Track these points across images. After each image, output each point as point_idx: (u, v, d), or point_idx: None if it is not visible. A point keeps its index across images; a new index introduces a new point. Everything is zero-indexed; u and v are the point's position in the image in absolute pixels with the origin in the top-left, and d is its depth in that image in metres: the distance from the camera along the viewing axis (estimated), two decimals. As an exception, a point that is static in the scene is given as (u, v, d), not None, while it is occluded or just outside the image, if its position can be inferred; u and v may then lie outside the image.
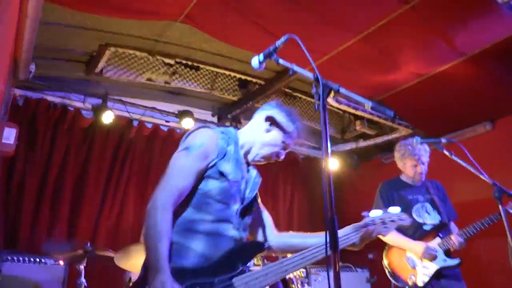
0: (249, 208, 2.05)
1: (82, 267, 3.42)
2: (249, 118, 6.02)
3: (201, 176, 1.90)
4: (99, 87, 4.85)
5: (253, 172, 2.18)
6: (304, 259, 1.93)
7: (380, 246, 3.46)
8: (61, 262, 3.64)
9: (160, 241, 1.68)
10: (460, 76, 4.37)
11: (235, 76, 5.11)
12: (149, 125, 5.33)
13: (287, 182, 6.33)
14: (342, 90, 1.76)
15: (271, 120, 2.14)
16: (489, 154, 5.04)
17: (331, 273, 1.56)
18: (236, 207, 1.96)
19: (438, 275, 3.16)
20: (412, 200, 3.44)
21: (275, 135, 2.12)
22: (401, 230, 3.34)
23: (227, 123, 5.83)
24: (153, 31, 4.06)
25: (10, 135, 3.93)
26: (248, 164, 2.15)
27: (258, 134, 2.12)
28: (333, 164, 6.35)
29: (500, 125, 5.20)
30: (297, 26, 3.69)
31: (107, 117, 4.71)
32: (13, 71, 3.93)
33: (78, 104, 4.84)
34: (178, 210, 1.85)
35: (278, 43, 2.05)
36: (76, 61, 4.49)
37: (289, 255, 2.00)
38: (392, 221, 2.15)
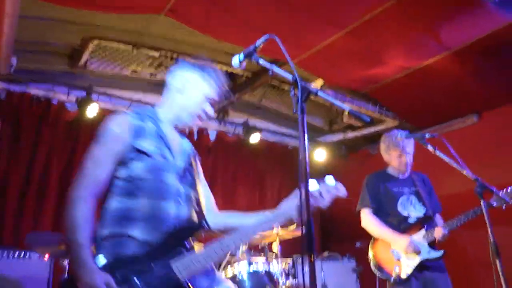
0: (185, 178, 1.98)
1: (66, 262, 3.41)
2: (237, 110, 6.00)
3: (122, 163, 1.84)
4: (84, 80, 4.79)
5: (186, 143, 2.11)
6: (244, 236, 1.89)
7: (368, 236, 3.49)
8: (46, 257, 3.62)
9: (76, 233, 1.67)
10: (446, 70, 4.39)
11: (221, 68, 5.06)
12: (136, 118, 5.28)
13: (275, 173, 6.34)
14: (321, 93, 1.74)
15: (182, 81, 2.04)
16: (475, 146, 5.09)
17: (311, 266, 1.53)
18: (170, 180, 1.90)
19: (422, 267, 3.20)
20: (397, 192, 3.47)
21: (193, 92, 2.03)
22: (386, 222, 3.40)
23: (215, 115, 5.82)
24: (137, 24, 4.00)
25: (-7, 129, 3.89)
26: (181, 134, 2.09)
27: (175, 100, 2.04)
28: (321, 155, 6.35)
29: (486, 117, 5.23)
30: (282, 20, 3.67)
31: (92, 110, 4.66)
32: (-6, 65, 3.87)
33: (62, 97, 4.77)
34: (108, 202, 1.83)
35: (258, 42, 2.02)
36: (59, 54, 4.42)
37: None
38: (329, 192, 2.05)
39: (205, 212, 2.10)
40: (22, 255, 3.59)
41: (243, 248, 3.64)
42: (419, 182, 3.52)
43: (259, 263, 3.42)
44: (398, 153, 3.50)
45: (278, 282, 3.41)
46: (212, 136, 5.91)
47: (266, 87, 5.56)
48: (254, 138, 5.80)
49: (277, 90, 5.62)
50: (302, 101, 1.74)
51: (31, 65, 4.44)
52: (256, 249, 4.65)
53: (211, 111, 2.08)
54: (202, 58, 2.14)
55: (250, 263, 3.36)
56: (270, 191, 6.21)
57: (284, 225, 1.97)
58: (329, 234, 6.68)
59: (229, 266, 3.46)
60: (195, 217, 2.00)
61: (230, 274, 3.33)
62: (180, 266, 1.74)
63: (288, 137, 6.49)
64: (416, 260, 3.20)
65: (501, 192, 2.97)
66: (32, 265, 3.55)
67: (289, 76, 1.86)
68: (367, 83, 4.85)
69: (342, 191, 2.10)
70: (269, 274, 3.39)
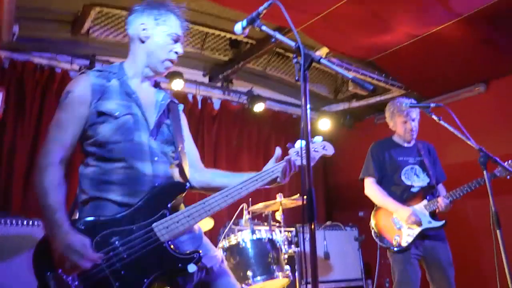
0: (160, 134, 1.88)
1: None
2: (241, 78, 5.96)
3: (89, 127, 1.78)
4: (87, 48, 4.74)
5: (160, 95, 1.97)
6: (228, 197, 1.80)
7: (371, 206, 3.52)
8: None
9: (47, 198, 1.64)
10: (454, 37, 4.29)
11: (225, 36, 5.01)
12: (139, 87, 5.25)
13: (279, 142, 6.33)
14: (323, 60, 1.71)
15: (140, 28, 1.91)
16: (482, 116, 5.06)
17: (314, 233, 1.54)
18: (143, 138, 1.81)
19: (423, 236, 3.23)
20: (402, 161, 3.46)
21: (156, 36, 1.90)
22: (389, 190, 3.41)
23: (219, 84, 5.78)
24: (139, -10, 3.92)
25: (-2, 98, 3.90)
26: (155, 87, 1.99)
27: (141, 51, 1.92)
28: (325, 124, 6.33)
29: (493, 86, 5.17)
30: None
31: (96, 79, 4.63)
32: (-4, 33, 3.83)
33: (66, 66, 4.74)
34: (83, 169, 1.81)
35: (261, 8, 1.98)
36: (61, 21, 4.37)
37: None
38: (316, 151, 2.06)
39: (188, 168, 1.95)
40: (30, 223, 3.66)
41: (246, 216, 3.68)
42: (424, 151, 3.51)
43: (262, 231, 3.47)
44: (402, 119, 3.48)
45: (281, 250, 3.46)
46: (217, 105, 5.89)
47: (271, 55, 5.49)
48: (259, 107, 5.78)
49: (281, 58, 5.55)
50: (305, 69, 1.72)
51: (33, 33, 4.40)
52: (259, 218, 4.72)
53: (179, 48, 1.95)
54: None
55: (253, 231, 3.41)
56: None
57: (268, 184, 1.90)
58: (333, 203, 6.74)
59: (232, 234, 3.51)
60: (176, 175, 1.89)
61: (233, 242, 3.38)
62: (162, 228, 1.69)
63: (293, 106, 6.46)
64: (416, 230, 3.23)
65: (506, 163, 2.95)
66: (41, 231, 3.63)
67: (292, 43, 1.83)
68: (373, 51, 4.76)
69: (330, 150, 2.12)
70: (272, 242, 3.44)
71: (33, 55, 4.59)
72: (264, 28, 1.98)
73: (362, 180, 3.56)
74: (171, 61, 1.94)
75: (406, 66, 5.04)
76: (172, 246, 1.71)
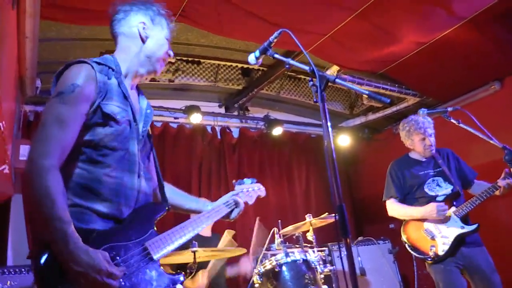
0: (144, 147, 1.82)
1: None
2: (256, 105, 6.04)
3: (85, 125, 1.61)
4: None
5: (144, 101, 1.89)
6: (199, 224, 1.92)
7: (401, 217, 3.49)
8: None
9: (56, 208, 1.42)
10: (462, 40, 4.33)
11: (236, 66, 5.14)
12: (159, 124, 5.40)
13: (301, 163, 6.38)
14: (338, 80, 1.78)
15: (140, 27, 1.84)
16: (500, 113, 5.02)
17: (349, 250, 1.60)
18: (134, 148, 1.73)
19: (458, 242, 3.17)
20: (423, 175, 3.45)
21: (156, 37, 1.87)
22: (413, 204, 3.39)
23: (235, 112, 5.89)
24: (151, 33, 4.09)
25: (26, 152, 4.04)
26: (138, 92, 1.91)
27: (139, 49, 1.83)
28: (344, 140, 6.36)
29: (508, 83, 5.14)
30: (291, 11, 3.69)
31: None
32: (20, 89, 4.03)
33: (87, 112, 4.90)
34: (68, 168, 1.57)
35: (272, 38, 2.07)
36: (80, 71, 4.56)
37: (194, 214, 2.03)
38: (253, 190, 2.28)
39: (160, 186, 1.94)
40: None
41: (278, 240, 3.70)
42: (441, 160, 3.49)
43: (296, 253, 3.47)
44: (421, 137, 3.47)
45: (317, 270, 3.45)
46: (235, 133, 5.99)
47: (283, 79, 5.60)
48: (277, 131, 5.85)
49: (294, 80, 5.65)
50: (322, 90, 1.79)
51: (54, 85, 4.60)
52: (291, 241, 4.72)
53: (171, 52, 1.95)
54: None
55: (287, 254, 3.41)
56: (298, 181, 6.25)
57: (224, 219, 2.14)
58: (362, 218, 6.68)
59: (265, 259, 3.52)
60: (157, 193, 1.90)
61: (268, 267, 3.39)
62: (154, 247, 1.67)
63: (310, 126, 6.51)
64: (451, 236, 3.18)
65: None
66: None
67: (306, 68, 1.91)
68: (383, 63, 4.82)
69: (262, 191, 2.36)
70: (307, 262, 3.43)
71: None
72: (276, 56, 2.06)
73: (385, 202, 3.56)
74: (164, 61, 1.92)
75: (417, 74, 5.07)
76: (161, 265, 1.71)
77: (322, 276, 3.54)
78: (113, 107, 1.67)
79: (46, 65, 4.19)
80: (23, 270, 3.47)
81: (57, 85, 1.65)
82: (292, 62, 2.02)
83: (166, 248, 1.71)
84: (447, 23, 4.13)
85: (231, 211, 2.15)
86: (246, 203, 2.23)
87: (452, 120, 3.20)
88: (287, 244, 4.32)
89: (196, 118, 5.21)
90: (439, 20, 4.07)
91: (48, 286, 1.42)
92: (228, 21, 3.73)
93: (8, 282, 3.35)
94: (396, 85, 5.36)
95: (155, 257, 1.65)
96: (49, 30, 3.66)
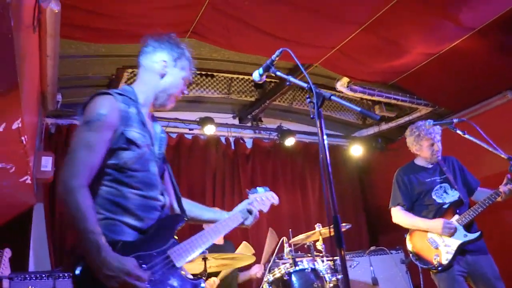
0: (161, 167, 2.01)
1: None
2: (269, 116, 6.12)
3: (110, 149, 1.79)
4: (123, 106, 5.11)
5: (158, 127, 2.10)
6: (217, 233, 2.09)
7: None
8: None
9: (87, 222, 1.61)
10: (472, 49, 4.37)
11: (249, 78, 5.27)
12: (174, 135, 5.56)
13: (314, 173, 6.44)
14: (334, 97, 1.88)
15: (163, 64, 2.03)
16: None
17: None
18: (154, 169, 1.93)
19: (462, 251, 3.20)
20: (430, 182, 3.49)
21: (173, 76, 2.05)
22: (421, 214, 3.43)
23: (249, 123, 6.01)
24: (165, 48, 4.27)
25: (48, 162, 4.26)
26: (153, 119, 2.09)
27: (156, 83, 2.02)
28: (357, 150, 6.41)
29: (522, 92, 5.12)
30: (299, 25, 3.81)
31: (134, 133, 4.95)
32: (42, 103, 4.24)
33: (105, 125, 5.10)
34: (96, 187, 1.78)
35: (274, 56, 2.20)
36: (98, 85, 4.77)
37: (207, 225, 2.18)
38: (267, 198, 2.39)
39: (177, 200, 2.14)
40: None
41: (288, 249, 3.77)
42: (446, 167, 3.53)
43: (304, 262, 3.55)
44: (430, 142, 3.50)
45: (325, 279, 3.51)
46: (249, 144, 6.10)
47: (295, 90, 5.70)
48: (289, 141, 5.95)
49: (306, 92, 5.71)
50: (319, 107, 1.89)
51: (75, 99, 4.81)
52: (302, 250, 4.78)
53: (186, 91, 2.13)
54: (170, 36, 2.12)
55: (295, 263, 3.49)
56: (312, 190, 6.31)
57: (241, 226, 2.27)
58: (377, 227, 6.68)
59: (275, 268, 3.61)
60: (175, 206, 2.10)
61: (277, 275, 3.47)
62: (176, 255, 1.83)
63: (323, 136, 6.55)
64: (454, 245, 3.22)
65: None
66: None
67: (304, 85, 2.02)
68: (394, 74, 4.88)
69: (275, 199, 2.47)
70: (315, 271, 3.50)
71: (76, 118, 4.98)
72: (278, 73, 2.18)
73: (391, 209, 3.61)
74: (177, 98, 2.09)
75: (428, 84, 5.11)
76: (183, 272, 1.86)
77: (331, 285, 3.59)
78: (134, 133, 1.86)
79: (66, 81, 4.40)
80: (43, 275, 3.64)
81: (84, 114, 1.83)
82: (292, 79, 2.14)
83: (187, 255, 1.89)
84: (455, 34, 4.18)
85: (246, 218, 2.27)
86: (260, 211, 2.34)
87: (458, 131, 3.24)
88: (299, 253, 4.40)
89: (210, 129, 5.35)
90: (447, 31, 4.12)
91: None
92: (238, 37, 3.87)
93: (30, 287, 3.52)
94: (408, 95, 5.40)
95: (177, 264, 1.83)
96: (69, 48, 3.86)
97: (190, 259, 1.89)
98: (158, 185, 1.93)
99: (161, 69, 2.02)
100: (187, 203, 2.19)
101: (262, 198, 2.40)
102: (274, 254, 3.89)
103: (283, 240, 3.82)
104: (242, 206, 2.31)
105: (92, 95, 1.87)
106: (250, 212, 2.28)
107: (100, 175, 1.79)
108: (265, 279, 3.54)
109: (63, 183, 1.66)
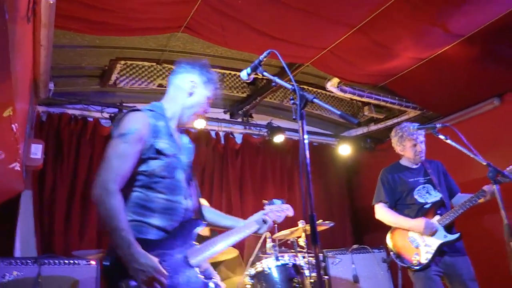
0: (188, 174, 2.23)
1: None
2: (260, 112, 6.16)
3: (141, 159, 2.03)
4: (115, 97, 5.16)
5: (185, 138, 2.35)
6: (241, 232, 2.31)
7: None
8: (93, 262, 3.97)
9: (119, 220, 1.85)
10: (461, 56, 4.44)
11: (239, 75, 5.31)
12: (165, 128, 5.58)
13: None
14: (316, 100, 1.95)
15: (191, 85, 2.27)
16: (499, 129, 5.10)
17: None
18: (181, 176, 2.15)
19: (441, 252, 3.30)
20: (413, 182, 3.58)
21: (199, 95, 2.29)
22: (404, 213, 3.53)
23: (239, 119, 6.07)
24: (158, 42, 4.32)
25: (38, 150, 4.29)
26: (180, 131, 2.32)
27: (183, 100, 2.27)
28: (345, 150, 6.50)
29: (508, 99, 5.18)
30: (292, 25, 3.86)
31: (125, 124, 5.00)
32: (34, 91, 4.26)
33: (97, 115, 5.15)
34: (127, 192, 2.01)
35: (261, 57, 2.28)
36: (91, 75, 4.80)
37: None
38: (282, 210, 2.51)
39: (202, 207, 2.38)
40: (72, 262, 3.94)
41: (270, 244, 3.86)
42: (431, 169, 3.63)
43: (286, 257, 3.63)
44: (412, 143, 3.61)
45: (305, 274, 3.60)
46: (239, 139, 6.17)
47: (287, 88, 5.74)
48: (279, 138, 6.02)
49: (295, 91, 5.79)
50: (301, 108, 1.96)
51: (67, 88, 4.85)
52: (286, 245, 4.87)
53: (208, 109, 2.37)
54: (202, 61, 2.37)
55: (277, 258, 3.57)
56: (298, 187, 6.38)
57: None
58: (362, 227, 6.78)
59: (258, 262, 3.69)
60: (197, 210, 2.31)
61: (259, 269, 3.55)
62: (192, 256, 2.05)
63: (312, 134, 6.65)
64: (434, 245, 3.31)
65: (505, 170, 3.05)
66: (82, 269, 3.92)
67: (289, 86, 2.09)
68: (384, 76, 4.95)
69: (290, 210, 2.58)
70: (296, 266, 3.59)
71: (67, 107, 5.03)
72: (265, 74, 2.27)
73: (374, 206, 3.70)
74: (199, 116, 2.36)
75: (417, 88, 5.19)
76: (197, 269, 2.06)
77: (312, 280, 3.68)
78: (162, 144, 2.09)
79: (59, 70, 4.43)
80: (29, 261, 3.69)
81: (119, 127, 2.07)
82: (278, 80, 2.22)
83: (201, 255, 2.11)
84: (444, 40, 4.26)
85: (260, 228, 2.41)
86: (274, 222, 2.48)
87: (440, 136, 3.31)
88: (282, 248, 4.49)
89: (200, 123, 5.40)
90: (436, 37, 4.20)
91: (112, 281, 1.88)
92: (232, 35, 3.92)
93: (15, 272, 3.58)
94: (397, 98, 5.49)
95: (193, 264, 2.04)
96: (63, 38, 3.89)
97: (203, 258, 2.10)
98: (182, 190, 2.14)
99: (189, 89, 2.27)
100: (208, 210, 2.45)
101: (278, 210, 2.52)
102: (257, 249, 3.97)
103: (265, 235, 3.90)
104: (258, 216, 2.44)
105: (126, 111, 2.13)
106: (265, 222, 2.42)
107: (131, 181, 2.03)
108: (246, 272, 3.62)
109: (100, 186, 1.90)
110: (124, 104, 5.10)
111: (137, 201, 2.03)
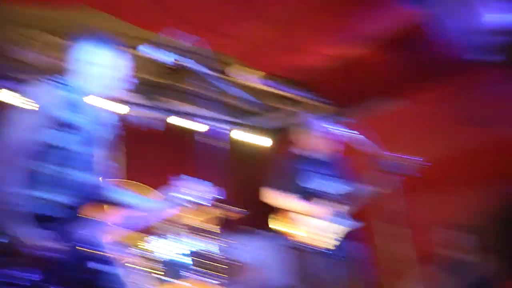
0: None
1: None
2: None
3: None
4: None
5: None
6: None
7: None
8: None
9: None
10: (367, 57, 4.68)
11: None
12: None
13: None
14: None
15: (93, 57, 2.18)
16: (401, 128, 5.25)
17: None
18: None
19: (341, 237, 3.55)
20: (315, 172, 3.71)
21: (107, 69, 2.20)
22: (307, 198, 3.64)
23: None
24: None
25: None
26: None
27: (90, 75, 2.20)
28: (255, 139, 6.66)
29: (411, 100, 5.29)
30: (202, 7, 3.86)
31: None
32: None
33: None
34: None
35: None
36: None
37: None
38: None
39: None
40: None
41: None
42: (335, 162, 3.83)
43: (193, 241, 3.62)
44: (317, 136, 3.76)
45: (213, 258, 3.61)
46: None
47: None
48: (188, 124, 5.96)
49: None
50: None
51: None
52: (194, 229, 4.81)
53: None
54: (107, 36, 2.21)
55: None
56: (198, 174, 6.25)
57: None
58: (267, 214, 6.86)
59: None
60: None
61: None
62: None
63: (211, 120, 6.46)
64: (334, 230, 3.53)
65: None
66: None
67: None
68: (296, 71, 5.10)
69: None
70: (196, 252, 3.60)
71: None
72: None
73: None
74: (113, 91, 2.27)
75: (329, 84, 5.36)
76: None
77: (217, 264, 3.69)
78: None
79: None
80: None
81: None
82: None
83: None
84: (355, 41, 4.48)
85: None
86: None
87: (344, 131, 3.43)
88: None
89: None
90: (344, 37, 4.42)
91: None
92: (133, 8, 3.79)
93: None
94: (308, 92, 5.66)
95: None
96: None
97: None
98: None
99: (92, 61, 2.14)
100: None
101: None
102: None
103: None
104: None
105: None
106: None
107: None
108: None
109: None
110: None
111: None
